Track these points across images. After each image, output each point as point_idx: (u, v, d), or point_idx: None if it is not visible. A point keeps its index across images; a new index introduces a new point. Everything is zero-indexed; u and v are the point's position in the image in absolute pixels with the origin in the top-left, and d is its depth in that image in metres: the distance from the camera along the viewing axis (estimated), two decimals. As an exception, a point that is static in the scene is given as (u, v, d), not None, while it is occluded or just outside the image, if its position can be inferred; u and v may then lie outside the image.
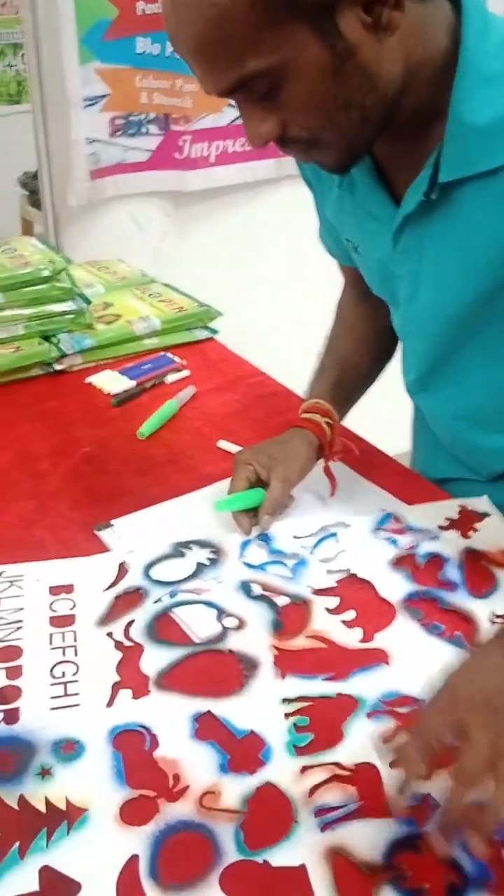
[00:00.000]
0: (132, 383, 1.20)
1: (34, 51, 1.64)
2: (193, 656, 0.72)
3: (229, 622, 0.75)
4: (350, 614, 0.76)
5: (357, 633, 0.74)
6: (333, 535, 0.86)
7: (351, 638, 0.73)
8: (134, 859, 0.55)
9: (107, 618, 0.76)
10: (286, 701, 0.67)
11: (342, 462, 0.98)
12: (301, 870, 0.55)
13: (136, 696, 0.68)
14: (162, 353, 1.31)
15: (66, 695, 0.68)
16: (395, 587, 0.78)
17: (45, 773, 0.61)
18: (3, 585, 0.80)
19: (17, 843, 0.56)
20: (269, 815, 0.58)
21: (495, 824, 0.50)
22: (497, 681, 0.57)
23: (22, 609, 0.77)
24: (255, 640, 0.73)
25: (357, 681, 0.69)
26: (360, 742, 0.64)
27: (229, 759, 0.62)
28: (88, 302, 1.30)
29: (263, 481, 0.88)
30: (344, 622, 0.75)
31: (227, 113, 1.79)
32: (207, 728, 0.65)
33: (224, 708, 0.67)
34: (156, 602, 0.78)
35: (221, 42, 0.63)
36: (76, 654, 0.72)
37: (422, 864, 0.55)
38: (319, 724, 0.65)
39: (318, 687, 0.69)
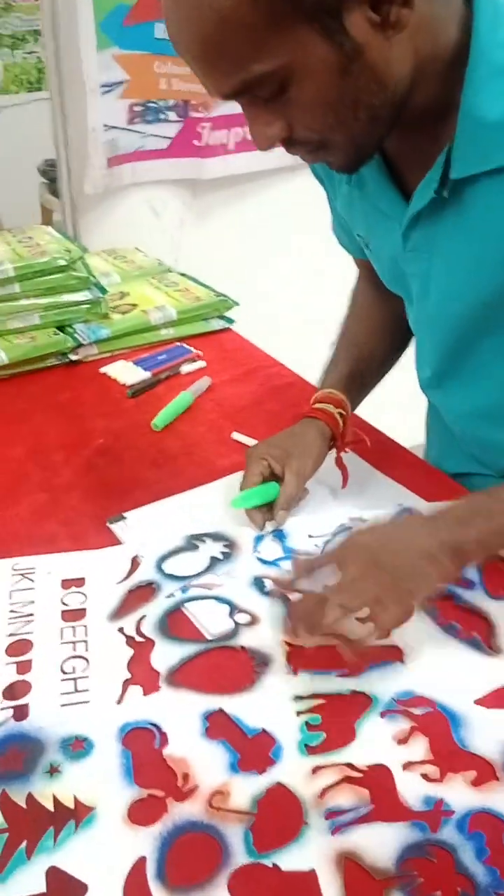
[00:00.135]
0: (147, 374, 1.19)
1: (52, 37, 1.62)
2: (205, 653, 0.71)
3: (241, 618, 0.74)
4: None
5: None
6: (350, 529, 0.84)
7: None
8: (141, 860, 0.54)
9: (118, 612, 0.75)
10: (298, 698, 0.66)
11: (356, 454, 0.97)
12: (311, 874, 0.54)
13: (146, 693, 0.67)
14: (177, 343, 1.30)
15: (76, 691, 0.67)
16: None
17: (53, 770, 0.60)
18: (14, 578, 0.79)
19: (25, 843, 0.56)
20: (278, 817, 0.57)
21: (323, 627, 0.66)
22: (392, 541, 0.70)
23: (33, 602, 0.76)
24: (268, 636, 0.72)
25: (371, 678, 0.68)
26: (373, 742, 0.63)
27: (240, 759, 0.61)
28: (104, 291, 1.29)
29: (277, 475, 0.87)
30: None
31: (247, 99, 1.77)
32: (218, 726, 0.64)
33: (235, 705, 0.66)
34: (168, 597, 0.77)
35: (224, 46, 0.61)
36: (87, 650, 0.71)
37: (434, 872, 0.54)
38: (332, 722, 0.64)
39: (331, 683, 0.68)
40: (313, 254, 1.79)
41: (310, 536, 0.84)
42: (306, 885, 0.53)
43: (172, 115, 1.77)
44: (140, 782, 0.60)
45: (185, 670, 0.69)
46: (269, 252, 1.98)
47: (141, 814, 0.58)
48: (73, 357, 1.24)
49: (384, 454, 0.97)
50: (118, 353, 1.27)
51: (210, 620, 0.74)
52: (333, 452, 0.93)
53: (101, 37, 1.61)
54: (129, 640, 0.72)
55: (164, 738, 0.63)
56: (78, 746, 0.62)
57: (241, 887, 0.53)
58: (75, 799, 0.58)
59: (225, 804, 0.58)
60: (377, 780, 0.60)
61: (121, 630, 0.73)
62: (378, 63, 0.63)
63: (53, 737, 0.63)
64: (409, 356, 0.94)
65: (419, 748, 0.62)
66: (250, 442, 1.01)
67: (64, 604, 0.76)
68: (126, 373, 1.20)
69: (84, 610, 0.76)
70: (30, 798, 0.59)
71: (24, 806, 0.58)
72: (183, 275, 1.49)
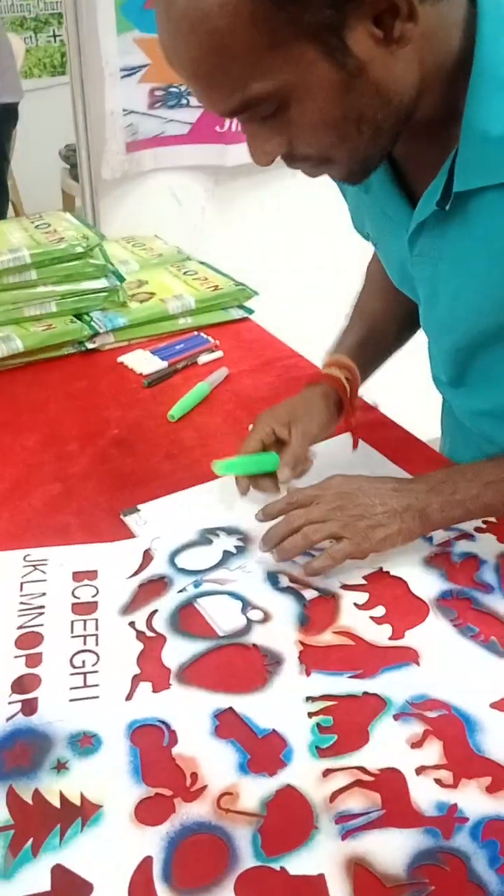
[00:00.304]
0: (164, 364, 1.18)
1: (73, 20, 1.60)
2: (216, 650, 0.70)
3: (254, 615, 0.73)
4: (379, 610, 0.73)
5: (386, 629, 0.71)
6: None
7: (380, 635, 0.71)
8: (147, 860, 0.54)
9: (130, 606, 0.75)
10: (310, 699, 0.65)
11: (375, 449, 0.96)
12: (320, 879, 0.53)
13: (156, 690, 0.66)
14: (195, 332, 1.28)
15: (85, 686, 0.66)
16: (428, 585, 0.75)
17: (60, 766, 0.60)
18: (26, 570, 0.79)
19: (31, 840, 0.55)
20: (288, 820, 0.56)
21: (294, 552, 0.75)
22: (363, 492, 0.76)
23: (44, 594, 0.76)
24: (281, 634, 0.71)
25: (384, 680, 0.67)
26: (385, 745, 0.61)
27: (249, 759, 0.60)
28: (122, 279, 1.28)
29: (281, 443, 0.86)
30: (373, 618, 0.72)
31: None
32: (228, 725, 0.63)
33: (246, 705, 0.65)
34: (180, 591, 0.76)
35: (222, 66, 0.59)
36: (97, 644, 0.70)
37: (446, 880, 0.53)
38: (344, 724, 0.63)
39: (344, 685, 0.66)
40: (335, 244, 1.76)
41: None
42: (315, 891, 0.52)
43: (194, 101, 1.74)
44: (148, 781, 0.59)
45: (196, 667, 0.68)
46: (290, 241, 1.96)
47: (148, 813, 0.57)
48: (90, 346, 1.23)
49: (403, 450, 0.96)
50: (135, 342, 1.26)
51: (222, 616, 0.73)
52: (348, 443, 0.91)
53: (122, 20, 1.59)
54: (140, 635, 0.71)
55: (173, 737, 0.62)
56: (86, 742, 0.62)
57: (248, 891, 0.52)
58: (82, 796, 0.58)
59: (233, 805, 0.57)
60: (389, 784, 0.59)
61: (132, 624, 0.72)
62: (382, 78, 0.61)
63: (61, 732, 0.62)
64: (424, 350, 0.92)
65: (433, 752, 0.61)
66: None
67: (75, 597, 0.75)
68: (143, 362, 1.19)
69: (95, 603, 0.75)
70: (36, 794, 0.58)
71: (30, 802, 0.58)
72: (202, 263, 1.47)
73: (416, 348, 0.97)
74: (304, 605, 0.74)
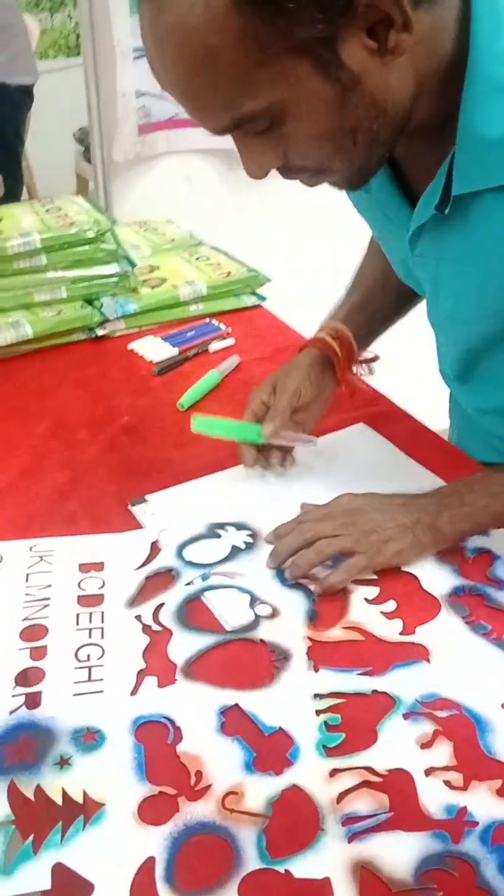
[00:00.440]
0: (175, 351, 1.17)
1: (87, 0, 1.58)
2: (223, 644, 0.69)
3: (262, 610, 0.72)
4: (390, 605, 0.72)
5: (397, 624, 0.70)
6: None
7: (390, 630, 0.69)
8: (150, 861, 0.53)
9: (136, 599, 0.73)
10: (318, 696, 0.64)
11: (388, 439, 0.94)
12: (325, 882, 0.52)
13: (161, 685, 0.65)
14: (207, 319, 1.27)
15: (89, 680, 0.65)
16: (440, 580, 0.74)
17: (63, 762, 0.59)
18: (32, 560, 0.78)
19: (32, 837, 0.54)
20: (294, 821, 0.55)
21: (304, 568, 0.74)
22: (374, 508, 0.76)
23: (50, 586, 0.75)
24: (289, 629, 0.70)
25: (394, 677, 0.65)
26: (394, 745, 0.60)
27: (255, 758, 0.59)
28: (133, 265, 1.27)
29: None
30: (383, 613, 0.71)
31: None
32: (234, 722, 0.62)
33: (252, 701, 0.64)
34: (187, 584, 0.75)
35: (211, 84, 0.58)
36: (102, 637, 0.69)
37: (454, 885, 0.51)
38: (352, 723, 0.62)
39: (353, 682, 0.65)
40: (350, 230, 1.74)
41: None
42: (320, 894, 0.51)
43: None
44: (152, 779, 0.58)
45: (202, 662, 0.67)
46: (305, 227, 1.93)
47: (151, 812, 0.56)
48: (100, 332, 1.22)
49: (417, 441, 0.94)
50: (146, 329, 1.25)
51: (230, 611, 0.71)
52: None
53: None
54: (146, 629, 0.70)
55: (177, 733, 0.61)
56: (90, 738, 0.61)
57: (252, 893, 0.51)
58: (84, 793, 0.57)
59: (238, 805, 0.56)
60: (397, 785, 0.57)
61: (138, 618, 0.71)
62: (377, 89, 0.60)
63: (65, 727, 0.61)
64: (433, 340, 0.90)
65: (443, 753, 0.60)
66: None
67: (81, 588, 0.74)
68: (153, 349, 1.18)
69: (101, 595, 0.74)
70: (38, 790, 0.57)
71: (32, 798, 0.57)
72: (215, 248, 1.46)
73: (426, 338, 0.95)
74: (313, 599, 0.73)
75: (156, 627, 0.70)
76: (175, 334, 1.22)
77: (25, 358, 1.17)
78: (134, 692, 0.64)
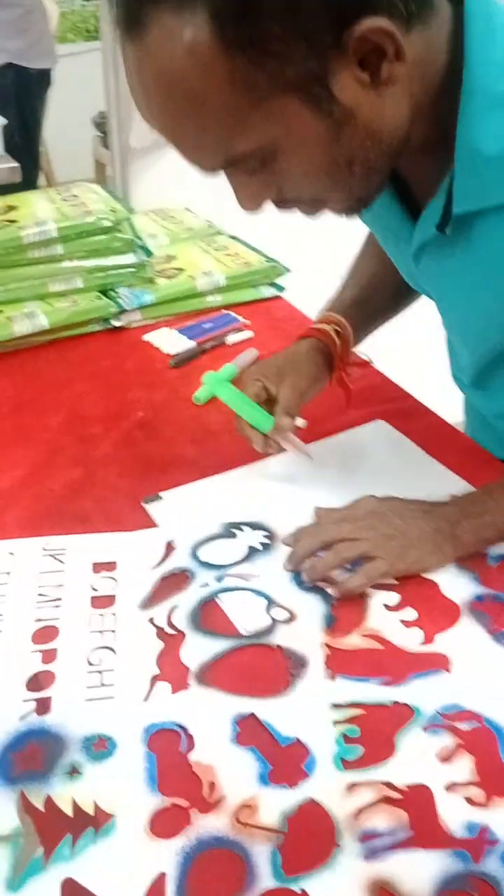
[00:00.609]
0: (191, 343, 1.14)
1: (105, -17, 1.56)
2: (238, 650, 0.67)
3: (279, 614, 0.70)
4: (410, 613, 0.70)
5: (417, 634, 0.68)
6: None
7: (410, 639, 0.67)
8: (161, 877, 0.51)
9: (149, 601, 0.72)
10: (336, 706, 0.62)
11: (407, 437, 0.92)
12: (341, 903, 0.50)
13: (174, 691, 0.63)
14: (224, 311, 1.24)
15: (101, 685, 0.64)
16: (460, 587, 0.72)
17: (73, 772, 0.57)
18: (45, 559, 0.76)
19: (41, 850, 0.53)
20: (309, 837, 0.54)
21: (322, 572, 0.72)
22: (397, 514, 0.74)
23: (62, 586, 0.73)
24: (306, 635, 0.68)
25: (414, 687, 0.64)
26: (414, 759, 0.58)
27: (270, 770, 0.58)
28: (150, 254, 1.24)
29: (272, 396, 0.84)
30: (403, 621, 0.69)
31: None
32: (249, 732, 0.60)
33: (268, 710, 0.62)
34: (202, 586, 0.73)
35: (201, 128, 0.57)
36: (115, 640, 0.68)
37: (475, 909, 0.50)
38: (371, 735, 0.60)
39: (372, 692, 0.63)
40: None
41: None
42: (336, 915, 0.50)
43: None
44: (164, 790, 0.56)
45: (217, 668, 0.65)
46: (324, 217, 1.90)
47: (163, 825, 0.54)
48: (116, 323, 1.20)
49: (437, 438, 0.92)
50: (162, 320, 1.22)
51: (245, 615, 0.70)
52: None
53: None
54: (160, 632, 0.69)
55: (190, 742, 0.60)
56: (101, 746, 0.59)
57: (266, 913, 0.50)
58: (95, 805, 0.55)
59: (252, 819, 0.55)
60: (417, 801, 0.56)
61: (151, 620, 0.70)
62: (372, 120, 0.58)
63: (76, 734, 0.60)
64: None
65: (464, 768, 0.58)
66: (297, 421, 0.96)
67: (94, 589, 0.73)
68: (169, 341, 1.15)
69: (114, 596, 0.72)
70: (48, 801, 0.56)
71: (42, 809, 0.55)
72: (233, 237, 1.43)
73: (441, 333, 0.93)
74: (332, 604, 0.71)
75: (169, 630, 0.69)
76: (192, 326, 1.20)
77: (40, 349, 1.15)
78: (146, 698, 0.63)
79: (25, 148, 2.54)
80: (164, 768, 0.58)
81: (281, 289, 1.31)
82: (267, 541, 0.78)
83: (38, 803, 0.55)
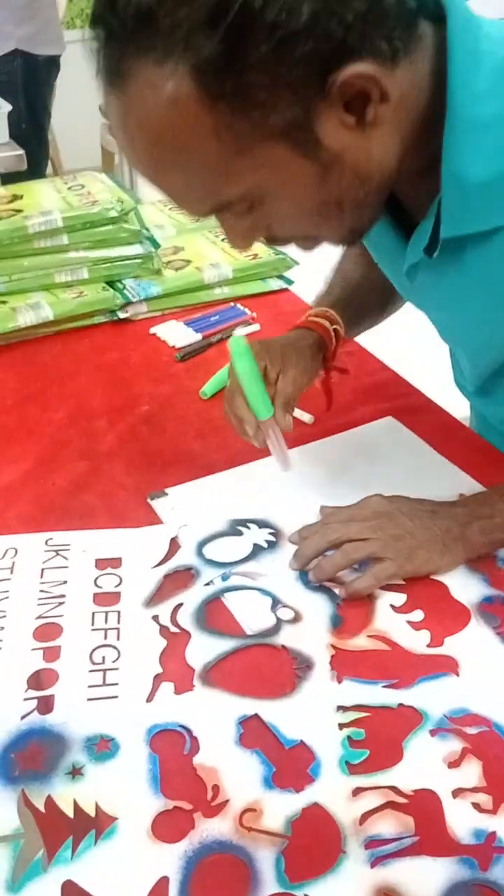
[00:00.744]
0: (198, 336, 1.13)
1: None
2: (243, 650, 0.66)
3: (284, 613, 0.69)
4: (418, 614, 0.69)
5: (424, 636, 0.67)
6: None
7: (417, 641, 0.66)
8: (163, 881, 0.51)
9: (153, 598, 0.71)
10: (341, 709, 0.61)
11: (417, 434, 0.90)
12: (346, 910, 0.49)
13: (178, 692, 0.63)
14: (231, 304, 1.23)
15: (104, 684, 0.63)
16: (469, 589, 0.71)
17: (75, 772, 0.57)
18: (48, 554, 0.75)
19: (42, 851, 0.52)
20: (314, 843, 0.53)
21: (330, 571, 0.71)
22: (405, 513, 0.72)
23: (65, 582, 0.72)
24: (312, 635, 0.67)
25: (421, 691, 0.63)
26: (421, 763, 0.57)
27: (275, 773, 0.57)
28: (157, 246, 1.23)
29: (268, 377, 0.81)
30: (410, 623, 0.68)
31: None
32: (253, 734, 0.60)
33: (273, 712, 0.61)
34: (207, 584, 0.72)
35: (188, 178, 0.57)
36: (118, 638, 0.67)
37: (483, 919, 0.49)
38: (377, 738, 0.59)
39: (378, 695, 0.62)
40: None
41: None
42: (340, 923, 0.49)
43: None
44: (167, 792, 0.56)
45: (222, 668, 0.65)
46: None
47: (166, 828, 0.54)
48: (122, 315, 1.19)
49: (447, 436, 0.90)
50: (168, 313, 1.21)
51: (250, 614, 0.69)
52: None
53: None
54: (164, 630, 0.68)
55: (194, 744, 0.59)
56: (103, 747, 0.58)
57: (270, 919, 0.49)
58: (97, 806, 0.55)
59: (256, 824, 0.54)
60: (423, 807, 0.55)
61: (155, 618, 0.69)
62: (360, 162, 0.57)
63: (78, 734, 0.59)
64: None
65: (472, 773, 0.57)
66: (303, 416, 0.95)
67: (97, 586, 0.72)
68: (176, 334, 1.14)
69: (118, 594, 0.71)
70: (49, 802, 0.55)
71: (43, 810, 0.55)
72: (241, 229, 1.41)
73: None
74: (338, 604, 0.70)
75: (173, 629, 0.68)
76: (198, 319, 1.18)
77: (45, 341, 1.14)
78: (150, 699, 0.62)
79: (34, 135, 2.52)
80: (168, 770, 0.57)
81: (290, 282, 1.30)
82: (272, 538, 0.77)
83: (39, 804, 0.55)
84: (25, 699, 0.62)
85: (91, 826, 0.54)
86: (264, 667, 0.65)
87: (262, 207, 0.60)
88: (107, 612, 0.70)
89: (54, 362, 1.09)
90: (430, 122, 0.59)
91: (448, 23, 0.57)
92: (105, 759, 0.58)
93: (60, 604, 0.70)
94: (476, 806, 0.55)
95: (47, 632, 0.68)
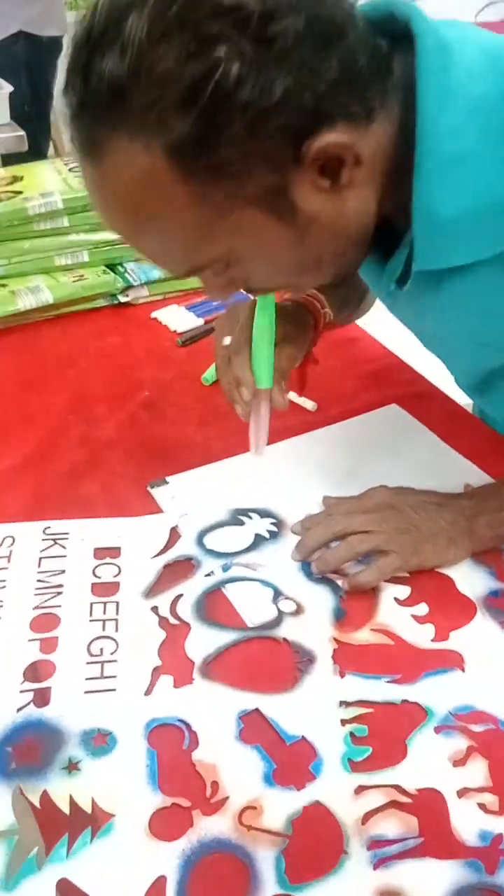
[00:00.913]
0: (200, 321, 1.11)
1: None
2: (244, 642, 0.65)
3: (286, 605, 0.68)
4: (422, 608, 0.67)
5: (429, 630, 0.65)
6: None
7: (421, 636, 0.65)
8: (161, 880, 0.49)
9: (153, 589, 0.70)
10: (344, 704, 0.60)
11: (423, 423, 0.89)
12: (347, 913, 0.48)
13: (177, 685, 0.61)
14: (234, 288, 1.21)
15: (102, 677, 0.62)
16: (475, 582, 0.69)
17: (72, 767, 0.55)
18: (46, 543, 0.74)
19: (36, 849, 0.51)
20: (315, 842, 0.52)
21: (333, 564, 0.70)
22: (412, 506, 0.71)
23: (63, 572, 0.71)
24: (314, 628, 0.66)
25: (426, 686, 0.61)
26: (425, 761, 0.56)
27: (275, 769, 0.56)
28: (159, 229, 1.21)
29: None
30: (414, 616, 0.66)
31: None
32: (254, 729, 0.58)
33: (274, 706, 0.60)
34: (207, 575, 0.71)
35: (164, 244, 0.58)
36: (117, 630, 0.66)
37: (488, 923, 0.48)
38: (380, 735, 0.58)
39: (382, 690, 0.61)
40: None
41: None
42: (342, 925, 0.48)
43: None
44: (165, 789, 0.54)
45: (222, 661, 0.63)
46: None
47: (164, 826, 0.52)
48: (123, 299, 1.17)
49: (455, 425, 0.89)
50: (170, 297, 1.19)
51: (252, 606, 0.67)
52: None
53: None
54: (163, 622, 0.66)
55: (193, 739, 0.58)
56: (100, 741, 0.57)
57: (270, 921, 0.48)
58: (93, 802, 0.53)
59: (256, 822, 0.53)
60: (428, 806, 0.54)
61: (154, 609, 0.67)
62: (336, 221, 0.58)
63: (74, 728, 0.58)
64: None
65: (477, 772, 0.55)
66: (307, 404, 0.93)
67: (96, 576, 0.71)
68: (177, 318, 1.12)
69: (117, 584, 0.70)
70: (45, 797, 0.54)
71: (38, 806, 0.53)
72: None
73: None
74: (340, 596, 0.68)
75: (173, 621, 0.66)
76: (200, 303, 1.16)
77: (44, 325, 1.12)
78: (148, 692, 0.61)
79: (37, 116, 2.49)
80: (166, 766, 0.56)
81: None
82: (275, 529, 0.75)
83: (35, 799, 0.53)
84: (22, 691, 0.60)
85: (87, 823, 0.52)
86: (265, 660, 0.63)
87: (239, 265, 0.60)
88: (105, 603, 0.68)
89: (54, 347, 1.08)
90: (406, 159, 0.57)
91: (418, 59, 0.56)
92: (102, 753, 0.56)
93: (58, 594, 0.69)
94: (482, 807, 0.54)
95: (44, 622, 0.66)
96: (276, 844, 0.51)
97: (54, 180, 1.18)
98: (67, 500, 0.80)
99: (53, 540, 0.74)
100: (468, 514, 0.71)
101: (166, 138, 0.51)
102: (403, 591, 0.69)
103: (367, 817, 0.53)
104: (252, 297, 0.77)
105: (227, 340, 0.79)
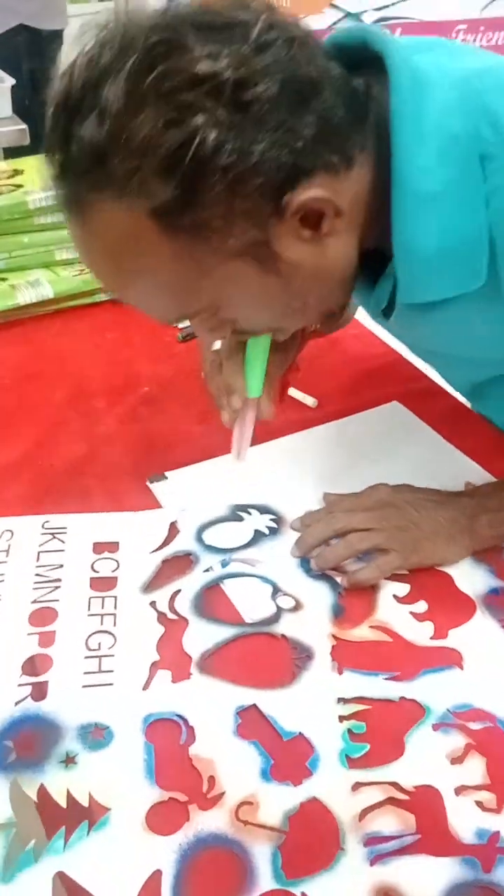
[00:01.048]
0: (201, 317, 1.11)
1: None
2: (242, 638, 0.65)
3: (284, 602, 0.68)
4: (421, 605, 0.67)
5: (428, 628, 0.65)
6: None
7: (420, 633, 0.65)
8: (157, 874, 0.49)
9: (151, 584, 0.69)
10: (342, 701, 0.60)
11: (424, 421, 0.89)
12: (344, 909, 0.48)
13: (175, 680, 0.61)
14: (236, 284, 1.21)
15: (99, 671, 0.62)
16: (475, 580, 0.69)
17: (69, 761, 0.55)
18: (44, 537, 0.74)
19: (33, 842, 0.51)
20: (312, 838, 0.52)
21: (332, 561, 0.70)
22: (413, 504, 0.71)
23: (62, 566, 0.71)
24: (313, 624, 0.66)
25: (424, 684, 0.61)
26: (423, 759, 0.56)
27: (272, 765, 0.56)
28: (160, 224, 1.20)
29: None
30: (413, 614, 0.66)
31: (329, 15, 1.63)
32: (251, 724, 0.58)
33: (271, 702, 0.60)
34: (206, 571, 0.70)
35: (150, 298, 0.60)
36: (115, 624, 0.65)
37: (484, 920, 0.48)
38: (378, 732, 0.58)
39: (380, 687, 0.61)
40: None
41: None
42: (338, 921, 0.48)
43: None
44: (162, 783, 0.54)
45: (220, 657, 0.63)
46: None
47: (160, 820, 0.52)
48: (124, 294, 1.16)
49: (458, 425, 0.88)
50: (171, 293, 1.19)
51: (250, 602, 0.67)
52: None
53: None
54: (161, 617, 0.66)
55: (190, 733, 0.57)
56: (97, 735, 0.57)
57: (265, 916, 0.48)
58: (90, 796, 0.53)
59: (253, 817, 0.53)
60: (425, 804, 0.54)
61: (153, 604, 0.67)
62: (319, 267, 0.58)
63: (72, 722, 0.58)
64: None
65: (475, 770, 0.55)
66: (307, 400, 0.93)
67: (94, 570, 0.70)
68: (178, 314, 1.12)
69: (115, 578, 0.70)
70: (42, 790, 0.54)
71: (35, 799, 0.53)
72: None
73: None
74: (339, 593, 0.68)
75: (171, 616, 0.66)
76: (201, 299, 1.16)
77: (44, 319, 1.12)
78: (146, 686, 0.61)
79: (37, 110, 2.48)
80: (163, 760, 0.56)
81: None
82: (274, 525, 0.75)
83: (32, 793, 0.53)
84: (19, 685, 0.60)
85: (84, 816, 0.52)
86: (263, 656, 0.63)
87: (227, 312, 0.61)
88: (103, 598, 0.68)
89: (54, 341, 1.07)
90: (386, 194, 0.58)
91: (392, 100, 0.56)
92: (99, 747, 0.56)
93: (56, 588, 0.69)
94: (479, 804, 0.54)
95: (42, 616, 0.66)
96: (273, 840, 0.51)
97: (56, 174, 1.18)
98: (66, 494, 0.79)
99: (52, 534, 0.74)
100: (469, 512, 0.71)
101: (148, 203, 0.52)
102: (403, 589, 0.69)
103: (364, 814, 0.53)
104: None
105: (217, 345, 0.79)
